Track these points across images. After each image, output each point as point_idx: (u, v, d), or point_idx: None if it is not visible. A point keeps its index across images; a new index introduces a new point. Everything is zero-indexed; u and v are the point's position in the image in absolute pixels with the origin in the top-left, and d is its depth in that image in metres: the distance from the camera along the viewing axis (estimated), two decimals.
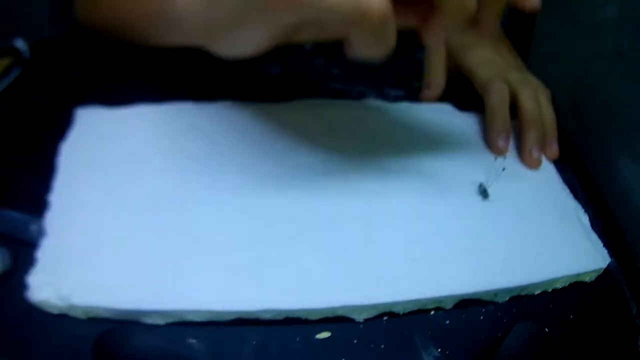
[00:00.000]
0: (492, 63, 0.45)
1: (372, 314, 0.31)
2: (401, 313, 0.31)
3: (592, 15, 0.45)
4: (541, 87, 0.44)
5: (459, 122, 0.43)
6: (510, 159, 0.38)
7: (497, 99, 0.42)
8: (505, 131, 0.40)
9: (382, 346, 0.30)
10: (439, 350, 0.30)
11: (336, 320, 0.30)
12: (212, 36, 0.31)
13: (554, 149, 0.41)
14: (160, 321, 0.29)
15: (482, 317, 0.32)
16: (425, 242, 0.33)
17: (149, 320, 0.29)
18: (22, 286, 0.28)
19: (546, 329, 0.32)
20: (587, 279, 0.34)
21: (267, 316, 0.29)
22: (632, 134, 0.40)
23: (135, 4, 0.39)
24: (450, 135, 0.41)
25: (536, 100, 0.42)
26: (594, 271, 0.34)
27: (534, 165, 0.40)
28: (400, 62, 0.53)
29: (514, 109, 0.42)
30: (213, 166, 0.36)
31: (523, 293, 0.33)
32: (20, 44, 0.45)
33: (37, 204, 0.32)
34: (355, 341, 0.30)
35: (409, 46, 0.55)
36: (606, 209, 0.40)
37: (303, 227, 0.33)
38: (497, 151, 0.40)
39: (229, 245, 0.31)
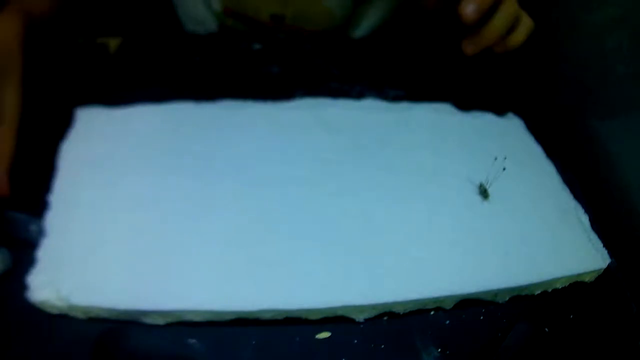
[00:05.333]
0: None
1: (372, 313, 0.31)
2: (401, 313, 0.31)
3: (592, 15, 0.45)
4: (526, 17, 0.40)
5: (459, 122, 0.43)
6: (511, 159, 0.37)
7: None
8: (479, 4, 0.35)
9: (382, 346, 0.30)
10: (439, 350, 0.30)
11: (336, 320, 0.30)
12: None
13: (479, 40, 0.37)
14: (160, 321, 0.29)
15: (482, 317, 0.32)
16: (425, 242, 0.33)
17: (148, 320, 0.29)
18: (22, 286, 0.28)
19: (546, 329, 0.32)
20: (587, 279, 0.34)
21: (267, 316, 0.29)
22: (633, 133, 0.40)
23: None
24: (450, 135, 0.41)
25: (512, 16, 0.38)
26: (594, 271, 0.34)
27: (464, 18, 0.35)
28: (400, 62, 0.53)
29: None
30: (213, 166, 0.36)
31: (523, 293, 0.33)
32: None
33: (37, 204, 0.32)
34: (355, 341, 0.30)
35: (409, 46, 0.55)
36: (606, 209, 0.40)
37: (303, 227, 0.33)
38: (462, 15, 0.35)
39: (228, 245, 0.31)
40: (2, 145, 0.33)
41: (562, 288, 0.34)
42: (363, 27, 0.58)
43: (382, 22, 0.58)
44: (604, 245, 0.35)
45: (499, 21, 0.39)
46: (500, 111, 0.45)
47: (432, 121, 0.42)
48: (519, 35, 0.40)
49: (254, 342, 0.29)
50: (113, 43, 0.50)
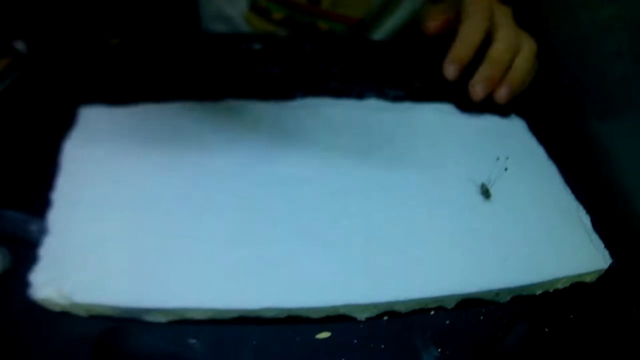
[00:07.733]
0: (484, 4, 0.43)
1: (374, 312, 0.31)
2: (403, 312, 0.31)
3: (592, 15, 0.45)
4: (528, 39, 0.42)
5: (460, 122, 0.43)
6: (513, 160, 0.38)
7: (470, 28, 0.41)
8: (460, 61, 0.40)
9: (382, 346, 0.30)
10: (439, 350, 0.30)
11: (337, 320, 0.30)
12: None
13: (503, 93, 0.40)
14: (162, 319, 0.29)
15: (482, 317, 0.32)
16: (427, 241, 0.33)
17: (150, 318, 0.29)
18: (23, 286, 0.28)
19: (546, 329, 0.32)
20: (588, 279, 0.34)
21: (269, 315, 0.29)
22: (633, 133, 0.40)
23: None
24: (451, 135, 0.41)
25: (513, 46, 0.41)
26: (595, 272, 0.34)
27: (472, 96, 0.40)
28: (400, 62, 0.53)
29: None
30: (214, 165, 0.36)
31: (524, 293, 0.33)
32: (20, 45, 0.45)
33: (38, 204, 0.32)
34: (355, 341, 0.30)
35: (410, 46, 0.55)
36: (607, 210, 0.40)
37: (304, 226, 0.33)
38: (446, 76, 0.40)
39: (230, 243, 0.31)
40: None
41: (562, 288, 0.34)
42: (389, 24, 0.58)
43: (408, 19, 0.58)
44: (605, 246, 0.35)
45: (497, 52, 0.41)
46: (502, 112, 0.45)
47: (434, 122, 0.42)
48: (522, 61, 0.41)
49: (254, 342, 0.29)
50: (113, 43, 0.50)
